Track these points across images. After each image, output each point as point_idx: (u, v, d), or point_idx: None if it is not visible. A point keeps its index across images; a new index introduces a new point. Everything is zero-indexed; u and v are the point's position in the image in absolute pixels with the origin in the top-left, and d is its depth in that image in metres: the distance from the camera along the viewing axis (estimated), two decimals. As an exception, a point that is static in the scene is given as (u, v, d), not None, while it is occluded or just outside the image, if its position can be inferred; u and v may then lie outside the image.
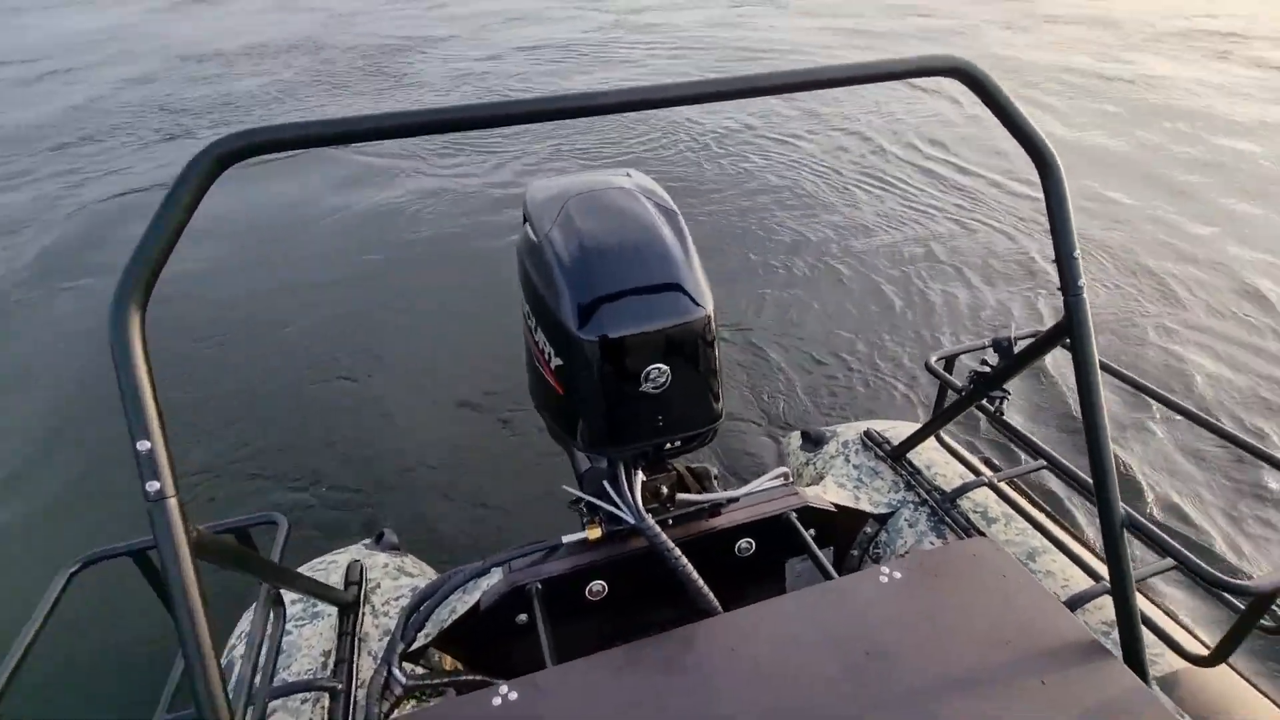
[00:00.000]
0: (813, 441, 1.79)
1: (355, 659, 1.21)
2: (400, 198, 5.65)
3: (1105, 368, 1.12)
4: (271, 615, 1.16)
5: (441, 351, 3.75)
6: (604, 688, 0.95)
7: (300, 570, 1.46)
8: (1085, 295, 0.98)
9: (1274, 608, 0.95)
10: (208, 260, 4.65)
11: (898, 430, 1.67)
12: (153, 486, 0.69)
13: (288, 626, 1.27)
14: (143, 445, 0.69)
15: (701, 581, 1.11)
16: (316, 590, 1.15)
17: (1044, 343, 1.12)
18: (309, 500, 2.86)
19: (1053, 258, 0.99)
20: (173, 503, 0.70)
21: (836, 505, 1.42)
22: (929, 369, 1.40)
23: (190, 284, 4.33)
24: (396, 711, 1.12)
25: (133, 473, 0.68)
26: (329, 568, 1.43)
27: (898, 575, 1.08)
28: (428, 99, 7.97)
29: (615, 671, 0.97)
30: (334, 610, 1.31)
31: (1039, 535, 1.34)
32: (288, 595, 1.26)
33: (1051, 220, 0.97)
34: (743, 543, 1.30)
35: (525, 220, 1.24)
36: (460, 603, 1.27)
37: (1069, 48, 8.71)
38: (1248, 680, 1.09)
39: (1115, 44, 8.76)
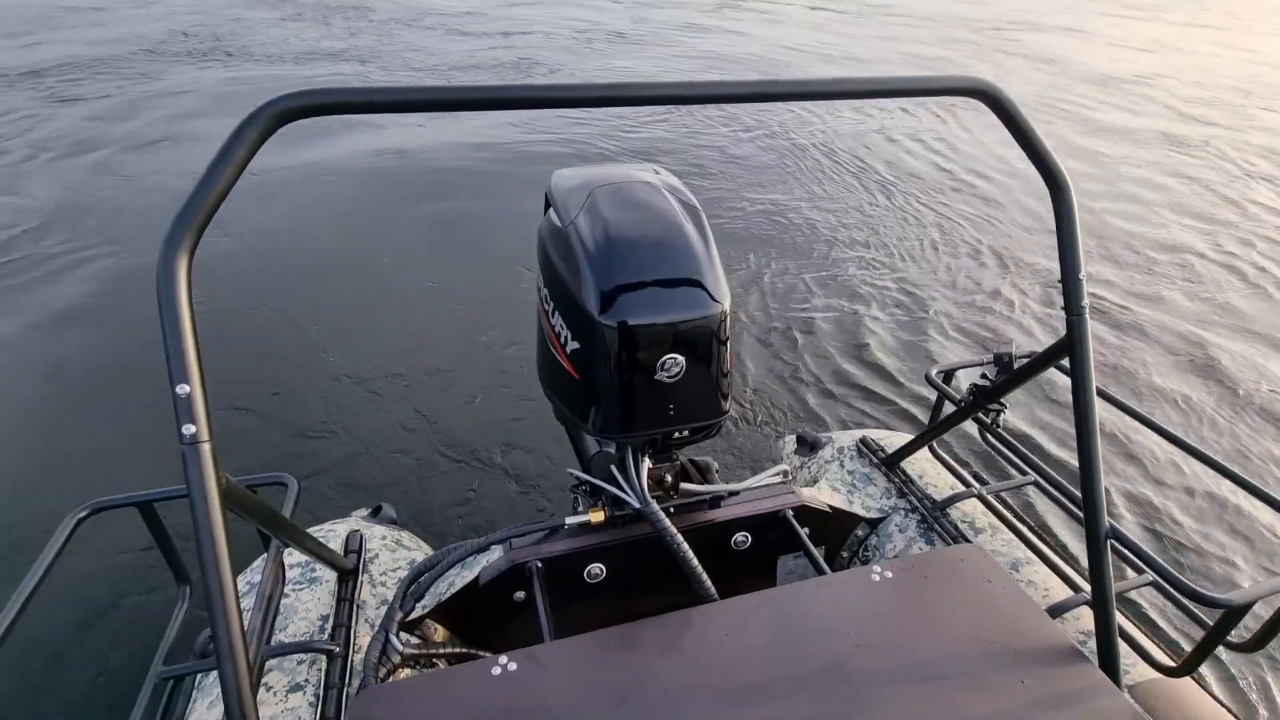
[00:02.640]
0: (808, 446, 1.83)
1: (353, 625, 1.22)
2: (432, 170, 5.81)
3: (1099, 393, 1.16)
4: (272, 576, 1.18)
5: (451, 328, 3.85)
6: (601, 664, 0.98)
7: None
8: (1087, 316, 1.02)
9: (1242, 623, 1.00)
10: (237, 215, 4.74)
11: (891, 440, 1.71)
12: (188, 430, 0.69)
13: (285, 589, 1.29)
14: (181, 389, 0.69)
15: (701, 569, 1.14)
16: (323, 553, 1.17)
17: (1043, 360, 1.16)
18: (309, 468, 2.87)
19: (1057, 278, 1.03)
20: (207, 448, 0.70)
21: (831, 506, 1.46)
22: (929, 380, 1.45)
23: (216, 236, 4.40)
24: (390, 678, 1.14)
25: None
26: (328, 536, 1.44)
27: (889, 575, 1.12)
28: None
29: (613, 649, 1.00)
30: (331, 577, 1.32)
31: (1023, 547, 1.39)
32: (286, 559, 1.28)
33: (1060, 241, 1.02)
34: (739, 536, 1.33)
35: (549, 206, 1.26)
36: (459, 577, 1.30)
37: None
38: (1210, 693, 1.15)
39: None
